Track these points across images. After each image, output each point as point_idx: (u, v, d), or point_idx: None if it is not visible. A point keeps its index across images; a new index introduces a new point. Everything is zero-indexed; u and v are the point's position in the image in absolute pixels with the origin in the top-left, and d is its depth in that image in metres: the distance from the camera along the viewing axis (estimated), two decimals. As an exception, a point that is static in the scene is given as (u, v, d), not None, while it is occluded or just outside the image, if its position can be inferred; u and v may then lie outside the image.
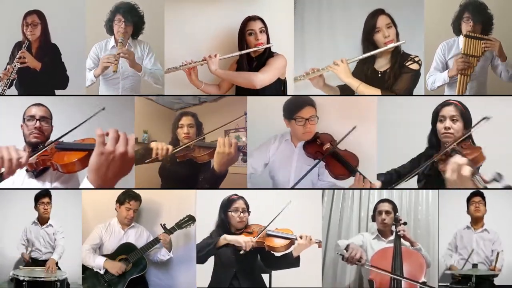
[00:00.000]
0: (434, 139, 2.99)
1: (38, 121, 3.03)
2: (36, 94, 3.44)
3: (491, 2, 3.41)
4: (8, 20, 3.54)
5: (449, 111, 2.92)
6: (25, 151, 2.96)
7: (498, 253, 3.42)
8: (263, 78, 3.33)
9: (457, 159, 2.64)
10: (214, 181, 3.05)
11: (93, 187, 1.83)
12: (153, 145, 3.09)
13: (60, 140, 2.71)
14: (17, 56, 3.47)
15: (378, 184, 3.16)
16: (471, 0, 3.42)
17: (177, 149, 3.17)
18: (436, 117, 2.98)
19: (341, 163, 3.08)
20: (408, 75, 3.30)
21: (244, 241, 3.07)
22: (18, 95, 3.50)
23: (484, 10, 3.39)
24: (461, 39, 3.42)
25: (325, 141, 3.19)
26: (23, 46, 3.49)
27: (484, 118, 2.77)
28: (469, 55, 3.37)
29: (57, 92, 3.57)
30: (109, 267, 3.33)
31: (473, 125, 2.84)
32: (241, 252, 3.05)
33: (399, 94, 3.31)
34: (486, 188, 2.59)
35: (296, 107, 3.23)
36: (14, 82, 3.51)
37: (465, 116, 2.90)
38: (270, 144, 3.40)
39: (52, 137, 3.00)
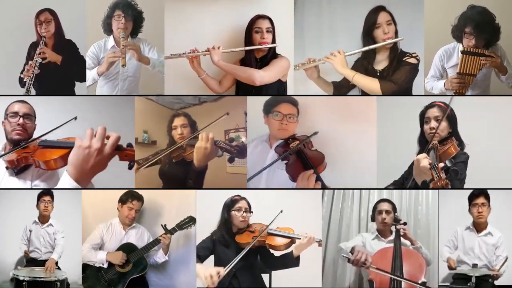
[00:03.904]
0: (424, 140, 3.08)
1: (21, 118, 2.95)
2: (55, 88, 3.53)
3: (496, 6, 3.37)
4: (18, 22, 3.57)
5: (433, 112, 3.05)
6: (6, 149, 2.97)
7: (506, 259, 3.38)
8: (263, 75, 3.33)
9: (418, 156, 2.75)
10: (194, 176, 3.06)
11: (71, 180, 2.03)
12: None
13: (43, 138, 2.67)
14: (37, 52, 3.47)
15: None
16: (473, 13, 3.33)
17: (171, 150, 3.20)
18: (422, 119, 3.10)
19: (302, 164, 3.05)
20: (407, 67, 3.32)
21: (205, 276, 2.80)
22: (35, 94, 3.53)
23: (488, 24, 3.32)
24: (461, 48, 3.40)
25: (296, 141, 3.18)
26: (41, 43, 3.49)
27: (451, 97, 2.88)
28: (465, 73, 3.34)
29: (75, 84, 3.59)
30: (112, 259, 3.35)
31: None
32: None
33: (400, 94, 3.31)
34: (439, 178, 2.61)
35: (275, 102, 3.27)
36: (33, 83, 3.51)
37: (449, 116, 3.01)
38: (249, 145, 3.40)
39: (35, 136, 2.91)
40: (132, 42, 3.48)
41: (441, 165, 2.62)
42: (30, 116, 3.00)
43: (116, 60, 3.45)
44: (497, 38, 3.36)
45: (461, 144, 3.01)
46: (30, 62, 3.47)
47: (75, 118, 2.81)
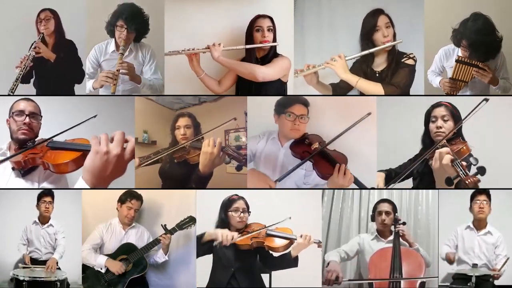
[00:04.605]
0: (428, 139, 3.09)
1: (27, 117, 2.89)
2: (51, 86, 3.54)
3: (498, 11, 3.36)
4: (18, 22, 3.58)
5: (440, 111, 3.05)
6: (11, 148, 2.94)
7: (507, 259, 3.39)
8: (266, 71, 3.32)
9: (441, 149, 2.79)
10: (198, 181, 3.06)
11: (87, 187, 1.92)
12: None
13: (52, 139, 2.60)
14: (32, 46, 3.48)
15: (381, 176, 3.20)
16: (473, 31, 3.28)
17: (173, 150, 3.19)
18: (428, 118, 3.10)
19: (329, 162, 3.02)
20: (405, 69, 3.33)
21: (223, 234, 3.05)
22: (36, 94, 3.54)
23: (488, 40, 3.30)
24: (460, 52, 3.40)
25: (313, 141, 3.14)
26: (38, 38, 3.50)
27: (484, 100, 2.91)
28: (457, 79, 3.36)
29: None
30: (110, 266, 3.34)
31: (474, 108, 2.93)
32: (215, 244, 3.06)
33: (399, 94, 3.31)
34: (466, 176, 2.64)
35: (288, 103, 3.25)
36: (33, 81, 3.55)
37: (455, 115, 3.03)
38: (257, 140, 3.37)
39: (41, 136, 2.89)
40: (126, 65, 3.42)
41: (464, 163, 2.66)
42: (36, 115, 2.95)
43: (108, 84, 3.42)
44: (495, 54, 3.35)
45: None
46: (24, 55, 3.46)
47: (95, 116, 2.75)
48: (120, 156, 1.90)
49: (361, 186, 3.04)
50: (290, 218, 3.15)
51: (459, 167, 2.64)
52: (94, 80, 3.52)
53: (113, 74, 3.39)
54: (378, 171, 3.26)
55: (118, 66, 3.40)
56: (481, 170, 2.63)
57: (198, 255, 3.25)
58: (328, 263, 3.17)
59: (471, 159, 2.70)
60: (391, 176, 3.18)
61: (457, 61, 3.35)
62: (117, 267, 3.33)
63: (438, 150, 2.78)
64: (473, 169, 2.70)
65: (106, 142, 1.90)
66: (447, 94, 3.40)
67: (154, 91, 3.52)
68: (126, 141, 1.96)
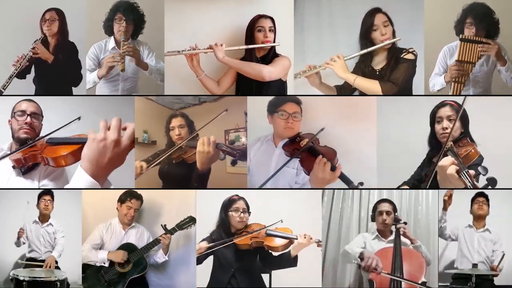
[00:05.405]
0: (434, 141, 3.03)
1: (29, 117, 2.98)
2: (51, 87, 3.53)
3: (496, 4, 3.36)
4: (20, 22, 3.56)
5: (445, 111, 2.99)
6: (12, 148, 2.96)
7: (503, 255, 3.42)
8: (272, 70, 3.32)
9: (443, 161, 2.65)
10: (198, 179, 3.08)
11: (87, 175, 1.85)
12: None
13: (51, 136, 2.61)
14: (31, 47, 3.48)
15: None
16: (474, 5, 3.35)
17: (172, 151, 3.20)
18: (433, 118, 3.04)
19: (316, 157, 2.96)
20: (405, 64, 3.31)
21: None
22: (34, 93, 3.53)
23: (489, 15, 3.33)
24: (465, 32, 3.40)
25: (304, 139, 3.13)
26: (38, 39, 3.50)
27: (465, 97, 2.87)
28: (464, 61, 3.34)
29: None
30: (113, 257, 3.35)
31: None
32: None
33: (400, 94, 3.31)
34: (474, 188, 2.58)
35: (280, 102, 3.26)
36: (33, 78, 3.54)
37: (461, 115, 2.93)
38: (253, 145, 3.38)
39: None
40: (132, 45, 3.46)
41: (472, 172, 2.50)
42: (37, 115, 3.03)
43: (115, 65, 3.45)
44: (497, 32, 3.35)
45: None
46: (22, 54, 3.46)
47: (79, 118, 2.78)
48: (117, 142, 1.84)
49: (348, 181, 2.92)
50: (281, 221, 3.17)
51: (467, 179, 2.47)
52: (98, 70, 3.52)
53: (119, 54, 3.42)
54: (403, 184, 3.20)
55: (123, 49, 3.42)
56: (492, 182, 2.50)
57: (199, 262, 3.26)
58: (361, 253, 3.09)
59: (480, 169, 2.55)
60: (415, 184, 3.12)
61: (461, 39, 3.34)
62: (120, 256, 3.36)
63: (439, 164, 2.63)
64: (482, 179, 2.60)
65: (104, 129, 1.84)
66: (455, 81, 3.36)
67: (162, 77, 3.50)
68: (124, 128, 1.90)
